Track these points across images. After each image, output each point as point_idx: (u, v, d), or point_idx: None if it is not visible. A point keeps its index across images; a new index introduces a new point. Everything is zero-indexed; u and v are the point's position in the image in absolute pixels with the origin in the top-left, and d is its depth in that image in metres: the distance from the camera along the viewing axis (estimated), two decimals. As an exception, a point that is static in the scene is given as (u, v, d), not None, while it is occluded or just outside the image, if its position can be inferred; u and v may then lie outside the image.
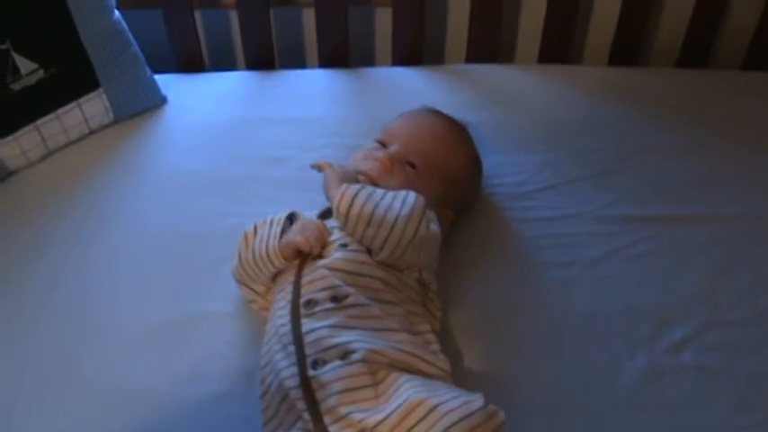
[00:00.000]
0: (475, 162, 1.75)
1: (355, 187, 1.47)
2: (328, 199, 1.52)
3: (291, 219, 1.56)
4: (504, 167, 1.90)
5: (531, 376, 1.49)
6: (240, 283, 1.59)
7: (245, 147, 1.97)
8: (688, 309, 1.59)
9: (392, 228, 1.42)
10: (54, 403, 1.46)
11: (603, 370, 1.50)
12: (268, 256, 1.49)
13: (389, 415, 1.22)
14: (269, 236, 1.51)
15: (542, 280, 1.66)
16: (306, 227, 1.49)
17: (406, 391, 1.25)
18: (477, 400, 1.23)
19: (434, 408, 1.21)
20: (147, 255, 1.72)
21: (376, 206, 1.44)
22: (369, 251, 1.47)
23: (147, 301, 1.62)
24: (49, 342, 1.55)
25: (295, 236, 1.47)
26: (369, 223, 1.43)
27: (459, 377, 1.41)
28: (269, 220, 1.55)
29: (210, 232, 1.73)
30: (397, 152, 1.63)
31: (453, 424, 1.19)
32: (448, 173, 1.65)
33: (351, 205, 1.44)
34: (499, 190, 1.84)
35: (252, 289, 1.57)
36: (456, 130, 1.75)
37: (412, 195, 1.48)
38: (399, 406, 1.23)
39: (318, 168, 1.60)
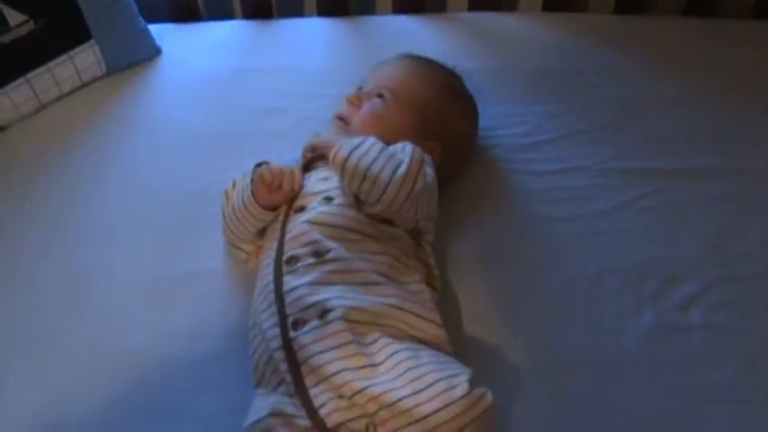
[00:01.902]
0: (452, 91, 1.66)
1: (353, 143, 1.41)
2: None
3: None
4: (506, 118, 1.83)
5: (536, 335, 1.45)
6: (230, 243, 1.56)
7: (242, 98, 1.92)
8: (696, 265, 1.54)
9: (387, 185, 1.36)
10: (47, 360, 1.44)
11: (610, 328, 1.45)
12: (245, 205, 1.46)
13: (368, 387, 1.19)
14: (243, 187, 1.48)
15: (546, 235, 1.61)
16: (271, 168, 1.45)
17: (393, 361, 1.22)
18: (461, 385, 1.16)
19: (417, 392, 1.16)
20: (141, 210, 1.68)
21: (373, 161, 1.37)
22: (360, 202, 1.41)
23: (141, 257, 1.59)
24: (43, 299, 1.53)
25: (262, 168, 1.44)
26: (363, 179, 1.37)
27: (459, 337, 1.37)
28: (243, 172, 1.52)
29: (206, 187, 1.69)
30: (366, 90, 1.60)
31: (434, 412, 1.14)
32: (419, 100, 1.59)
33: (346, 160, 1.38)
34: (501, 141, 1.78)
35: (242, 249, 1.54)
36: (431, 64, 1.69)
37: (409, 147, 1.42)
38: (381, 382, 1.19)
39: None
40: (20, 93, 1.84)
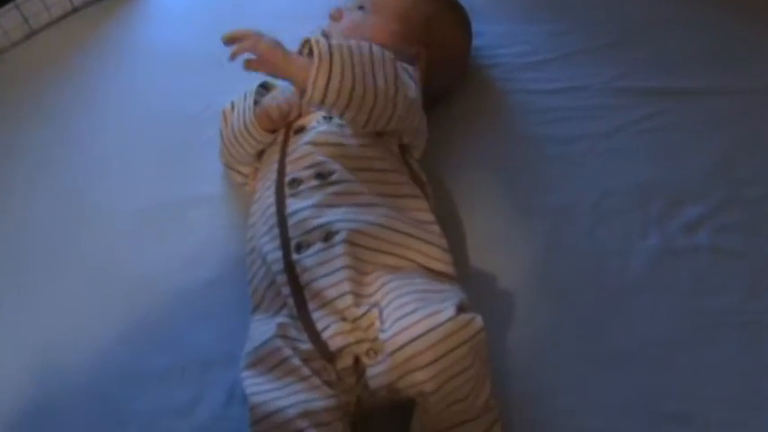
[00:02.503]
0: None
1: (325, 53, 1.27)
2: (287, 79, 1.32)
3: (266, 87, 1.49)
4: (507, 37, 1.77)
5: (536, 258, 1.42)
6: (227, 166, 1.53)
7: (239, 20, 1.76)
8: (703, 186, 1.49)
9: (373, 104, 1.30)
10: (43, 287, 1.43)
11: (614, 250, 1.41)
12: (246, 128, 1.42)
13: (369, 310, 1.17)
14: (244, 108, 1.44)
15: (546, 156, 1.57)
16: (280, 93, 1.41)
17: (382, 292, 1.19)
18: (447, 310, 1.11)
19: (401, 318, 1.12)
20: (137, 135, 1.66)
21: (353, 81, 1.27)
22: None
23: (138, 183, 1.57)
24: (39, 226, 1.52)
25: (270, 101, 1.40)
26: (347, 106, 1.29)
27: (456, 261, 1.34)
28: (244, 93, 1.48)
29: (203, 110, 1.66)
30: (348, 4, 1.56)
31: (414, 339, 1.09)
32: (401, 7, 1.54)
33: (326, 91, 1.27)
34: (500, 61, 1.73)
35: (239, 171, 1.51)
36: None
37: (377, 51, 1.32)
38: (375, 306, 1.17)
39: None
40: (9, 18, 1.80)
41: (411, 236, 1.28)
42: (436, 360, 1.08)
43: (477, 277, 1.36)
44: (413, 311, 1.12)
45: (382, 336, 1.13)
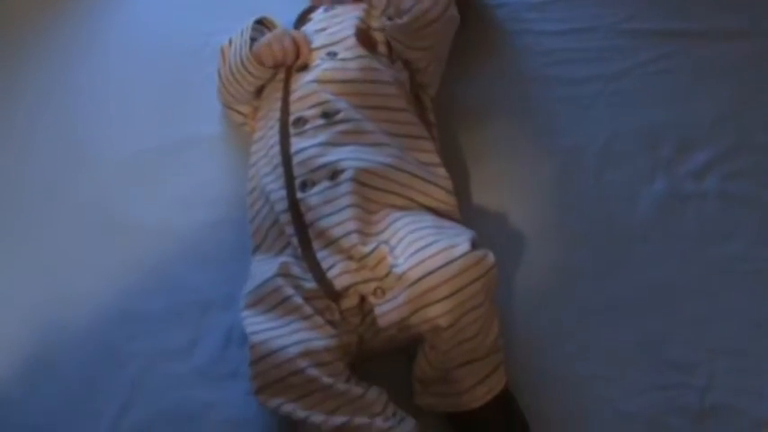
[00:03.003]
0: None
1: None
2: None
3: (263, 23, 1.46)
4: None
5: (543, 201, 1.40)
6: (226, 106, 1.50)
7: None
8: (712, 131, 1.46)
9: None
10: (39, 231, 1.41)
11: (621, 195, 1.39)
12: (243, 64, 1.39)
13: (377, 247, 1.15)
14: (241, 44, 1.41)
15: (555, 98, 1.53)
16: (277, 37, 1.37)
17: (394, 228, 1.17)
18: (462, 245, 1.10)
19: (416, 252, 1.10)
20: (134, 75, 1.63)
21: None
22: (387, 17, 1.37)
23: (135, 124, 1.55)
24: (36, 169, 1.50)
25: (267, 42, 1.37)
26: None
27: (462, 202, 1.32)
28: (241, 30, 1.44)
29: (200, 50, 1.63)
30: None
31: (429, 273, 1.08)
32: None
33: None
34: (508, 0, 1.69)
35: (238, 111, 1.48)
36: None
37: None
38: (385, 244, 1.15)
39: None
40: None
41: (417, 177, 1.25)
42: (452, 294, 1.07)
43: (481, 221, 1.33)
44: (428, 245, 1.10)
45: (396, 270, 1.10)
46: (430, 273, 1.07)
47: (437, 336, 1.10)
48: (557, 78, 1.55)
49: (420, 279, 1.07)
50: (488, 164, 1.43)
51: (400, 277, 1.09)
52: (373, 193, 1.22)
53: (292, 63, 1.37)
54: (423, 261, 1.08)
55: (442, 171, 1.30)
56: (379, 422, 1.10)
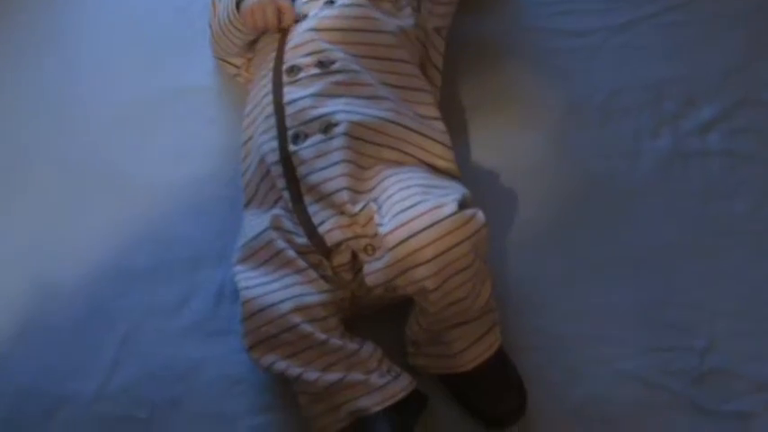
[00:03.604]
0: None
1: None
2: None
3: None
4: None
5: (543, 156, 1.37)
6: (218, 58, 1.47)
7: None
8: (718, 86, 1.43)
9: None
10: (26, 186, 1.40)
11: (624, 151, 1.36)
12: (230, 21, 1.36)
13: (366, 205, 1.12)
14: (228, 1, 1.37)
15: (557, 50, 1.50)
16: (262, 4, 1.31)
17: (382, 186, 1.14)
18: (449, 205, 1.06)
19: (402, 212, 1.07)
20: (123, 27, 1.62)
21: None
22: None
23: (124, 75, 1.54)
24: (26, 125, 1.47)
25: (250, 8, 1.32)
26: None
27: (461, 157, 1.30)
28: None
29: (189, 4, 1.61)
30: None
31: (415, 233, 1.04)
32: None
33: None
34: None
35: (231, 63, 1.44)
36: None
37: None
38: (374, 202, 1.12)
39: None
40: None
41: (414, 131, 1.22)
42: (437, 256, 1.03)
43: (479, 176, 1.30)
44: (413, 205, 1.07)
45: (381, 230, 1.07)
46: (414, 234, 1.04)
47: (425, 298, 1.08)
48: (558, 30, 1.52)
49: (404, 241, 1.04)
50: (485, 117, 1.40)
51: (386, 237, 1.06)
52: (367, 147, 1.19)
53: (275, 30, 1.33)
54: (407, 222, 1.05)
55: (440, 125, 1.26)
56: (374, 378, 1.09)
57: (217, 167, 1.36)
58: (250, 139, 1.27)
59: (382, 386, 1.08)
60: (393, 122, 1.21)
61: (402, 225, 1.05)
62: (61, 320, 1.25)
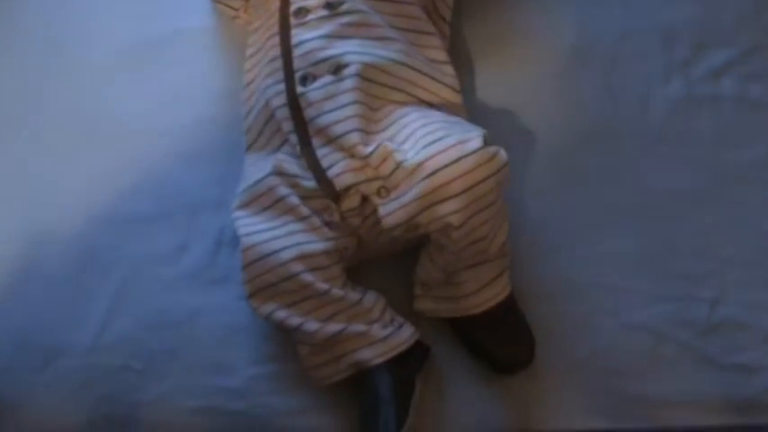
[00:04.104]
0: None
1: None
2: None
3: None
4: None
5: (551, 101, 1.32)
6: (215, 1, 1.41)
7: None
8: (731, 30, 1.37)
9: None
10: (26, 133, 1.36)
11: (634, 96, 1.32)
12: None
13: (375, 150, 1.09)
14: None
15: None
16: None
17: (401, 123, 1.11)
18: (474, 140, 1.04)
19: (428, 145, 1.05)
20: None
21: None
22: None
23: (120, 18, 1.48)
24: (19, 70, 1.43)
25: None
26: None
27: (469, 101, 1.26)
28: None
29: None
30: None
31: (442, 167, 1.02)
32: None
33: None
34: None
35: (228, 5, 1.39)
36: None
37: None
38: (390, 141, 1.09)
39: None
40: None
41: (424, 74, 1.20)
42: (465, 191, 1.02)
43: (486, 120, 1.24)
44: (439, 139, 1.05)
45: (406, 164, 1.05)
46: (442, 167, 1.02)
47: (446, 236, 1.05)
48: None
49: (433, 173, 1.02)
50: (492, 61, 1.36)
51: (413, 171, 1.04)
52: (378, 89, 1.16)
53: None
54: (434, 155, 1.03)
55: (449, 69, 1.24)
56: (375, 329, 1.07)
57: (215, 111, 1.33)
58: (252, 81, 1.24)
59: (384, 338, 1.07)
60: (404, 65, 1.18)
61: (430, 158, 1.03)
62: (55, 269, 1.23)
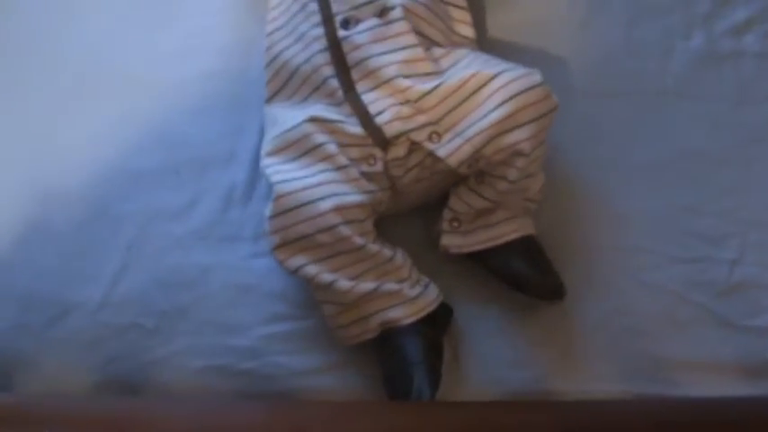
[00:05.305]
0: None
1: None
2: None
3: None
4: None
5: (567, 54, 1.28)
6: None
7: None
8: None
9: None
10: (32, 89, 1.32)
11: (654, 51, 1.28)
12: None
13: (439, 85, 1.06)
14: None
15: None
16: None
17: (461, 65, 1.09)
18: (536, 74, 1.05)
19: (493, 77, 1.04)
20: None
21: None
22: None
23: None
24: (24, 25, 1.38)
25: None
26: None
27: (491, 53, 1.20)
28: None
29: None
30: None
31: (514, 95, 1.02)
32: None
33: None
34: None
35: None
36: None
37: None
38: (452, 77, 1.07)
39: None
40: None
41: (461, 8, 1.20)
42: (534, 120, 1.03)
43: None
44: (508, 69, 1.05)
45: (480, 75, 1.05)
46: (517, 94, 1.02)
47: (509, 168, 1.04)
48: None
49: (509, 99, 1.02)
50: (509, 12, 1.32)
51: (484, 83, 1.04)
52: (425, 29, 1.13)
53: None
54: (507, 83, 1.03)
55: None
56: (406, 289, 1.04)
57: (224, 63, 1.29)
58: (280, 28, 1.18)
59: (415, 297, 1.04)
60: (448, 3, 1.18)
61: (503, 86, 1.03)
62: (64, 225, 1.19)
